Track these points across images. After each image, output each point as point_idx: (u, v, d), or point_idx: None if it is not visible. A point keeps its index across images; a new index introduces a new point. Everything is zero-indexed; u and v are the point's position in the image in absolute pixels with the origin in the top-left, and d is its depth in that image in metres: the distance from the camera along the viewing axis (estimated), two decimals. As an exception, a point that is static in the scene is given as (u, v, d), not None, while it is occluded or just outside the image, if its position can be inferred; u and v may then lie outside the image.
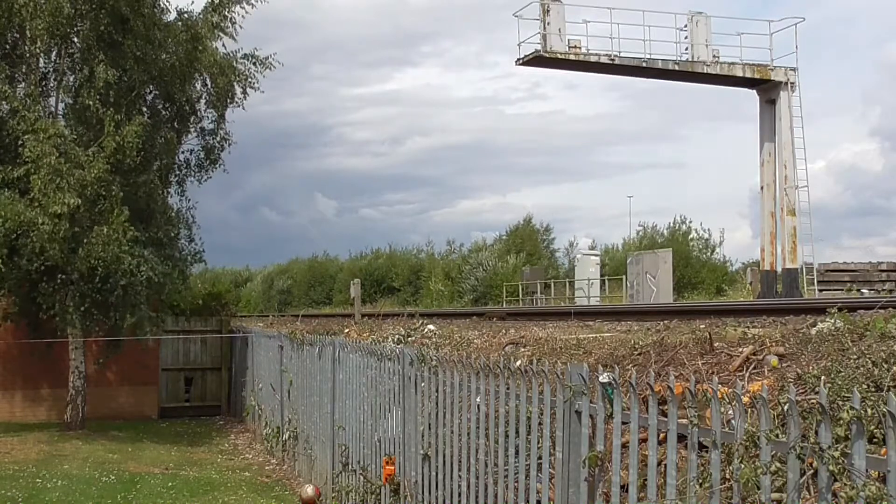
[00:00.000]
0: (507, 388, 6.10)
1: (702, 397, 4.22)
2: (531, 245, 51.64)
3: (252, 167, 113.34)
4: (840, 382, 4.53)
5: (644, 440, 4.76)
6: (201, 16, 18.41)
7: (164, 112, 18.99)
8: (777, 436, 3.74)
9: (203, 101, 19.26)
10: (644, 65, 25.64)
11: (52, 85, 18.01)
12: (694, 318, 10.73)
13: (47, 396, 19.80)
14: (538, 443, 5.67)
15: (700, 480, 4.14)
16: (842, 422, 3.43)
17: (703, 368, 5.95)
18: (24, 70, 17.49)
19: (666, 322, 10.41)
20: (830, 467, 3.42)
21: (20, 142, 15.72)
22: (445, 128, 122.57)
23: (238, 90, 18.95)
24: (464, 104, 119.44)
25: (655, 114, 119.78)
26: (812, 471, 3.83)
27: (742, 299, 25.25)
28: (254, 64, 18.91)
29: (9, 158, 16.25)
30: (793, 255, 25.28)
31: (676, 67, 25.86)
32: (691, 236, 47.98)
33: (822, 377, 4.77)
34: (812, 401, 4.27)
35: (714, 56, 26.02)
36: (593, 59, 25.28)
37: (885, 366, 4.64)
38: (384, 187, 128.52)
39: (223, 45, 18.71)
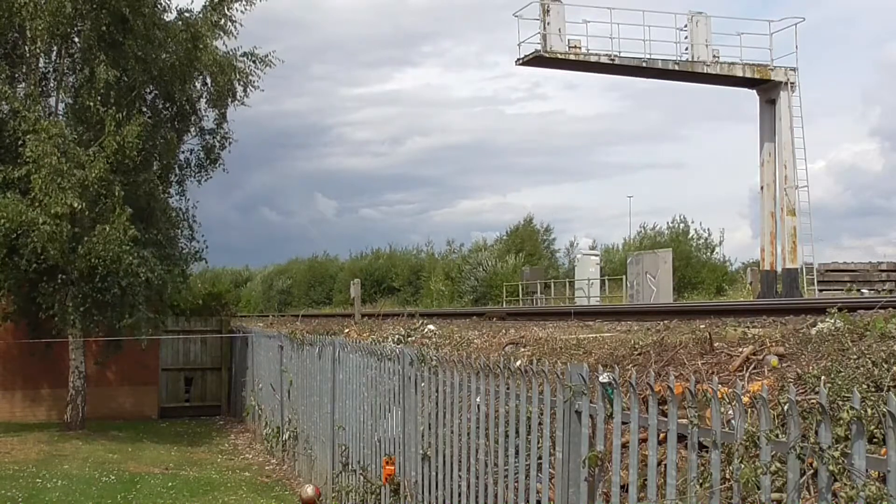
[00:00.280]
0: (507, 388, 6.10)
1: (702, 397, 4.22)
2: (531, 245, 51.66)
3: (252, 167, 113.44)
4: (840, 382, 4.53)
5: (644, 440, 4.76)
6: (201, 15, 18.41)
7: (164, 112, 18.99)
8: (777, 436, 3.74)
9: (203, 100, 19.28)
10: (644, 65, 25.64)
11: (52, 85, 18.01)
12: (694, 318, 10.73)
13: (47, 396, 19.80)
14: (538, 443, 5.67)
15: (700, 480, 4.14)
16: (842, 422, 3.43)
17: (703, 368, 5.95)
18: (24, 70, 17.50)
19: (666, 322, 10.41)
20: (830, 467, 3.42)
21: (21, 142, 15.73)
22: (445, 128, 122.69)
23: (239, 89, 18.96)
24: (464, 104, 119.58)
25: (655, 114, 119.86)
26: (812, 471, 3.83)
27: (742, 299, 25.26)
28: (253, 62, 18.92)
29: (9, 158, 16.25)
30: (793, 255, 25.29)
31: (676, 67, 25.87)
32: (691, 236, 48.01)
33: (822, 377, 4.77)
34: (812, 401, 4.27)
35: (714, 56, 26.02)
36: (593, 59, 25.28)
37: (885, 366, 4.64)
38: (384, 187, 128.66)
39: (224, 43, 18.75)
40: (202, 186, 19.96)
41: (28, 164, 15.47)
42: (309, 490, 10.82)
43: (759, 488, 3.80)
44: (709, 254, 48.11)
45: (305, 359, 12.92)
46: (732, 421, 4.06)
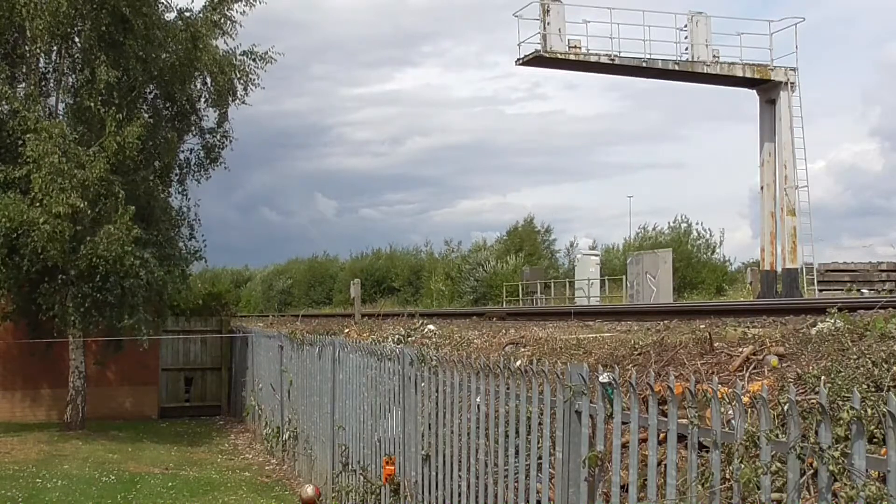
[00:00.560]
0: (507, 388, 6.10)
1: (702, 397, 4.22)
2: (530, 245, 51.68)
3: (252, 167, 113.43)
4: (840, 382, 4.53)
5: (644, 440, 4.76)
6: (201, 14, 18.42)
7: (164, 111, 19.00)
8: (777, 436, 3.73)
9: (203, 99, 19.28)
10: (644, 65, 25.64)
11: (52, 85, 18.01)
12: (694, 318, 10.72)
13: (47, 396, 19.81)
14: (538, 443, 5.67)
15: (700, 480, 4.14)
16: (842, 422, 3.42)
17: (703, 368, 5.94)
18: (24, 70, 17.50)
19: (666, 322, 10.41)
20: (830, 467, 3.42)
21: (21, 141, 15.73)
22: (445, 128, 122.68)
23: (239, 88, 18.96)
24: (464, 104, 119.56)
25: (655, 114, 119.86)
26: (812, 471, 3.83)
27: (742, 299, 25.26)
28: (253, 60, 18.92)
29: (10, 158, 16.25)
30: (793, 255, 25.29)
31: (676, 67, 25.87)
32: (693, 236, 48.04)
33: (822, 377, 4.77)
34: (812, 401, 4.27)
35: (714, 56, 26.02)
36: (593, 59, 25.29)
37: (885, 366, 4.64)
38: (384, 187, 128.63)
39: (224, 42, 18.76)
40: (202, 186, 20.00)
41: (28, 163, 15.47)
42: (309, 490, 10.82)
43: (759, 488, 3.80)
44: (709, 254, 48.15)
45: (305, 359, 12.92)
46: (732, 421, 4.06)
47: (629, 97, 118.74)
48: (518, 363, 6.46)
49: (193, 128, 19.45)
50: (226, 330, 22.41)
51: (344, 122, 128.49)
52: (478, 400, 6.58)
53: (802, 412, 3.93)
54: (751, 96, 27.14)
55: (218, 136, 19.54)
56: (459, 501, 6.80)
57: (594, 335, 9.23)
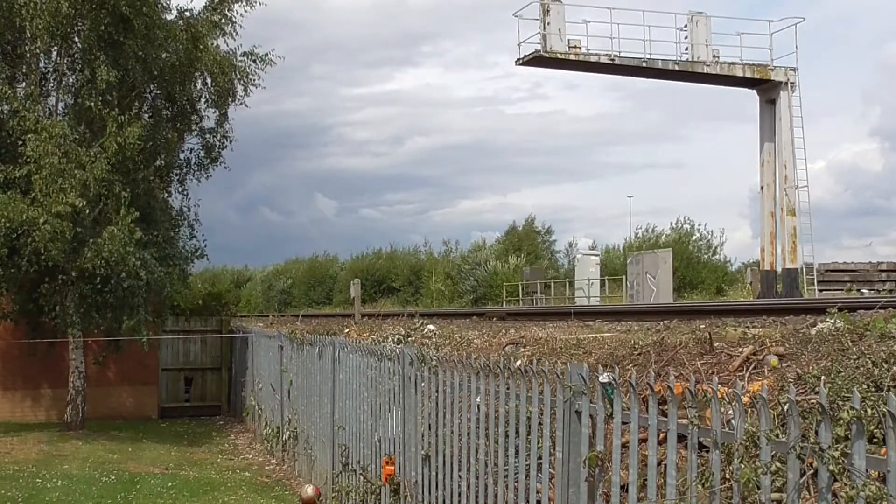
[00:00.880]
0: (507, 388, 6.10)
1: (702, 397, 4.22)
2: (530, 245, 51.68)
3: (252, 167, 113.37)
4: (840, 382, 4.53)
5: (644, 440, 4.76)
6: (201, 15, 18.41)
7: (164, 111, 19.00)
8: (777, 436, 3.74)
9: (204, 99, 19.27)
10: (644, 65, 25.65)
11: (52, 85, 18.01)
12: (694, 318, 10.72)
13: (47, 396, 19.81)
14: (538, 443, 5.67)
15: (700, 480, 4.14)
16: (842, 422, 3.42)
17: (703, 368, 5.94)
18: (24, 70, 17.50)
19: (666, 322, 10.41)
20: (830, 467, 3.42)
21: (21, 141, 15.73)
22: (445, 128, 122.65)
23: (239, 88, 18.96)
24: (464, 104, 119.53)
25: (656, 114, 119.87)
26: (812, 471, 3.83)
27: (742, 299, 25.26)
28: (253, 61, 18.91)
29: (10, 158, 16.25)
30: (793, 255, 25.29)
31: (676, 67, 25.87)
32: (694, 237, 48.07)
33: (822, 377, 4.77)
34: (812, 401, 4.27)
35: (714, 56, 26.02)
36: (593, 59, 25.29)
37: (885, 366, 4.64)
38: (384, 187, 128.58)
39: (225, 42, 18.76)
40: (202, 186, 20.00)
41: (29, 163, 15.47)
42: (309, 490, 10.82)
43: (759, 488, 3.80)
44: (710, 255, 48.17)
45: (305, 359, 12.92)
46: (732, 421, 4.06)
47: (629, 97, 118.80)
48: (518, 363, 6.46)
49: (194, 127, 19.45)
50: (226, 330, 22.41)
51: (344, 122, 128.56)
52: (478, 400, 6.58)
53: (802, 412, 3.93)
54: (751, 96, 27.16)
55: (218, 137, 19.54)
56: (459, 501, 6.81)
57: (594, 335, 9.23)
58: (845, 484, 3.38)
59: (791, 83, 25.89)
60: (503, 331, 11.45)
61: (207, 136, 19.55)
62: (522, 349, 8.87)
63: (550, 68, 27.21)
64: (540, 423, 5.65)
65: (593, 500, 5.11)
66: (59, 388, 18.85)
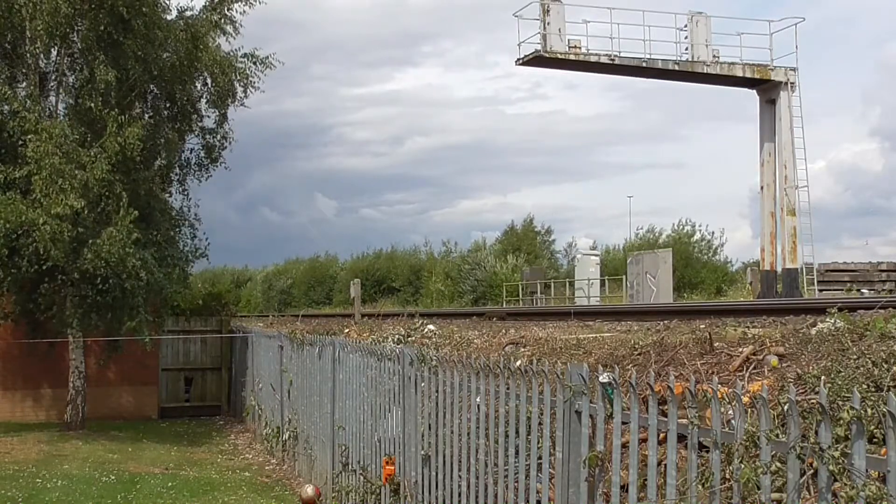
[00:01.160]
0: (507, 388, 6.10)
1: (702, 397, 4.22)
2: (528, 245, 51.69)
3: (252, 167, 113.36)
4: (840, 382, 4.53)
5: (644, 440, 4.76)
6: (201, 14, 18.41)
7: (165, 111, 19.00)
8: (777, 436, 3.74)
9: (204, 100, 19.28)
10: (644, 65, 25.65)
11: (52, 85, 18.01)
12: (694, 318, 10.72)
13: (47, 396, 19.81)
14: (538, 443, 5.67)
15: (700, 480, 4.14)
16: (842, 422, 3.42)
17: (703, 368, 5.94)
18: (24, 70, 17.50)
19: (666, 322, 10.41)
20: (830, 467, 3.42)
21: (21, 142, 15.73)
22: (446, 128, 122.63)
23: (239, 89, 18.96)
24: (464, 104, 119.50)
25: (656, 114, 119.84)
26: (812, 471, 3.83)
27: (742, 299, 25.26)
28: (254, 63, 18.91)
29: (10, 159, 16.25)
30: (793, 255, 25.28)
31: (676, 67, 25.87)
32: (695, 238, 48.13)
33: (822, 377, 4.77)
34: (812, 401, 4.27)
35: (714, 56, 26.02)
36: (593, 59, 25.29)
37: (885, 366, 4.64)
38: (384, 187, 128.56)
39: (227, 41, 18.77)
40: (202, 186, 20.01)
41: (29, 164, 15.47)
42: (309, 490, 10.82)
43: (759, 488, 3.80)
44: (710, 255, 48.22)
45: (305, 359, 12.92)
46: (732, 421, 4.06)
47: (629, 97, 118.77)
48: (518, 363, 6.46)
49: (194, 127, 19.45)
50: (226, 330, 22.42)
51: (344, 122, 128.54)
52: (478, 400, 6.58)
53: (802, 412, 3.93)
54: (751, 96, 27.16)
55: (218, 137, 19.55)
56: (459, 501, 6.81)
57: (594, 335, 9.23)
58: (845, 484, 3.38)
59: (791, 83, 25.89)
60: (503, 331, 11.45)
61: (208, 136, 19.56)
62: (522, 349, 8.87)
63: (550, 68, 27.21)
64: (540, 423, 5.65)
65: (593, 500, 5.11)
66: (59, 388, 18.85)
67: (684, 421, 4.26)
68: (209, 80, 18.81)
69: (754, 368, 5.67)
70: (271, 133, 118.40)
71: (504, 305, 36.47)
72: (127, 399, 20.84)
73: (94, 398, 18.75)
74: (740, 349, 6.04)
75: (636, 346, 7.03)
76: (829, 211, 75.32)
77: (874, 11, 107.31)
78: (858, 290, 23.46)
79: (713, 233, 48.67)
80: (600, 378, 4.99)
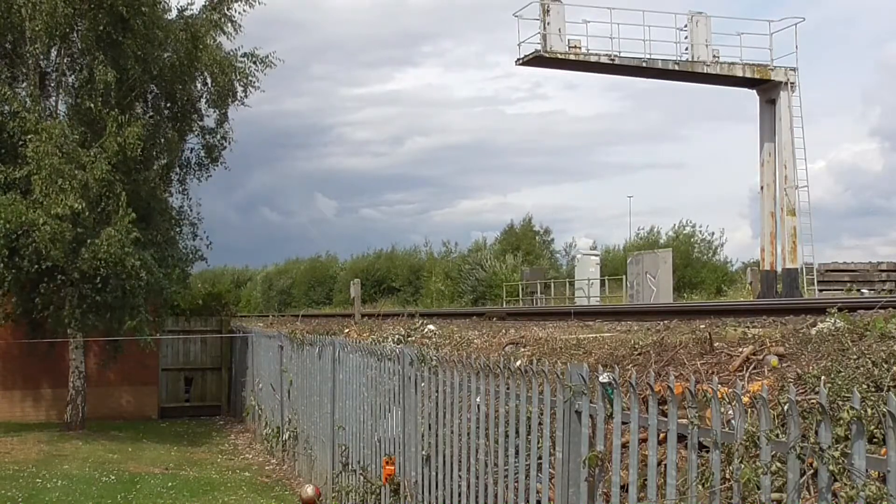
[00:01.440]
0: (507, 388, 6.10)
1: (702, 397, 4.22)
2: (527, 244, 51.70)
3: (252, 167, 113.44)
4: (840, 382, 4.53)
5: (644, 440, 4.76)
6: (201, 14, 18.41)
7: (165, 111, 18.99)
8: (777, 436, 3.73)
9: (204, 99, 19.27)
10: (644, 65, 25.64)
11: (52, 86, 18.01)
12: (694, 318, 10.72)
13: (47, 396, 19.81)
14: (538, 443, 5.67)
15: (700, 480, 4.14)
16: (842, 422, 3.42)
17: (703, 368, 5.94)
18: (24, 70, 17.49)
19: (666, 322, 10.40)
20: (830, 467, 3.42)
21: (21, 142, 15.72)
22: (446, 128, 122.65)
23: (239, 89, 18.95)
24: (464, 104, 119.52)
25: (656, 114, 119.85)
26: (812, 471, 3.83)
27: (742, 299, 25.26)
28: (254, 63, 18.90)
29: (10, 159, 16.25)
30: (793, 255, 25.28)
31: (676, 67, 25.87)
32: (695, 238, 48.16)
33: (822, 377, 4.77)
34: (812, 401, 4.27)
35: (714, 56, 26.02)
36: (593, 59, 25.29)
37: (885, 366, 4.64)
38: (384, 187, 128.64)
39: (228, 39, 18.77)
40: (202, 186, 20.02)
41: (29, 164, 15.47)
42: (309, 490, 10.82)
43: (759, 488, 3.80)
44: (710, 255, 48.25)
45: (305, 359, 12.91)
46: (732, 421, 4.06)
47: (629, 97, 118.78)
48: (518, 363, 6.46)
49: (195, 127, 19.45)
50: (226, 330, 22.41)
51: (344, 122, 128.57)
52: (478, 400, 6.58)
53: (802, 412, 3.93)
54: (751, 96, 27.16)
55: (218, 137, 19.54)
56: (459, 501, 6.80)
57: (594, 335, 9.23)
58: (845, 484, 3.38)
59: (791, 83, 25.89)
60: (503, 331, 11.45)
61: (207, 136, 19.56)
62: (522, 349, 8.87)
63: (550, 68, 27.21)
64: (540, 423, 5.65)
65: (593, 500, 5.11)
66: (59, 388, 18.84)
67: (684, 421, 4.26)
68: (209, 80, 18.81)
69: (754, 368, 5.67)
70: (271, 133, 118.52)
71: (504, 305, 36.47)
72: (127, 399, 20.84)
73: (94, 398, 18.75)
74: (740, 349, 6.04)
75: (636, 346, 7.03)
76: (829, 211, 75.36)
77: (874, 11, 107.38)
78: (858, 290, 23.46)
79: (713, 233, 48.77)
80: (600, 378, 4.99)
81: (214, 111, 19.35)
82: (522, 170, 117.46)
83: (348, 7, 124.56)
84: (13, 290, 17.15)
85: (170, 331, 21.30)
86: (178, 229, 19.40)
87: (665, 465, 4.47)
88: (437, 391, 7.41)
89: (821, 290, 24.47)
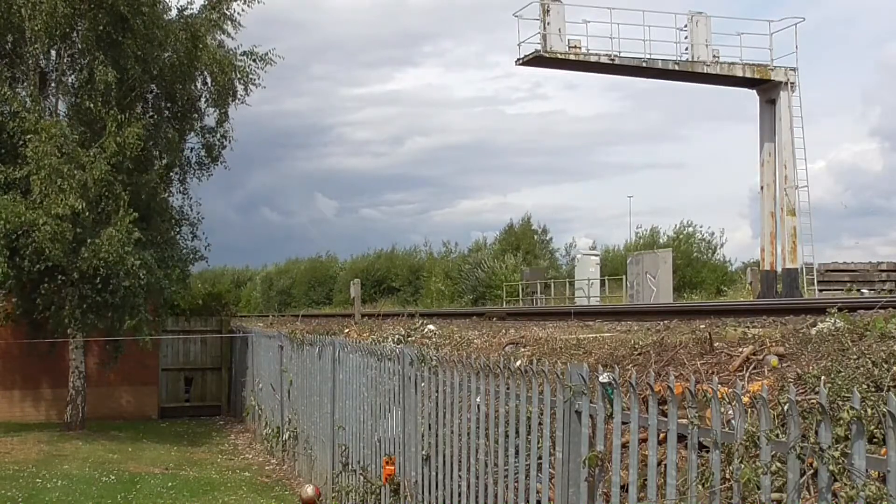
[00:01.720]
0: (507, 388, 6.10)
1: (702, 397, 4.22)
2: (527, 244, 51.69)
3: (252, 167, 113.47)
4: (840, 382, 4.53)
5: (644, 440, 4.76)
6: (201, 13, 18.41)
7: (165, 111, 18.99)
8: (777, 436, 3.73)
9: (204, 99, 19.26)
10: (644, 65, 25.64)
11: (52, 86, 18.00)
12: (694, 318, 10.72)
13: (47, 396, 19.81)
14: (538, 443, 5.67)
15: (700, 480, 4.14)
16: (842, 422, 3.42)
17: (703, 368, 5.94)
18: (24, 70, 17.49)
19: (666, 322, 10.41)
20: (830, 467, 3.42)
21: (21, 142, 15.72)
22: (446, 128, 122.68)
23: (239, 88, 18.94)
24: (464, 104, 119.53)
25: (655, 114, 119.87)
26: (812, 471, 3.83)
27: (742, 299, 25.25)
28: (253, 60, 18.90)
29: (10, 159, 16.25)
30: (793, 255, 25.28)
31: (676, 67, 25.86)
32: (695, 238, 48.15)
33: (822, 377, 4.77)
34: (812, 401, 4.27)
35: (714, 56, 26.01)
36: (593, 59, 25.28)
37: (885, 366, 4.64)
38: (384, 187, 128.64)
39: (228, 37, 18.76)
40: (203, 185, 20.01)
41: (29, 164, 15.46)
42: (309, 490, 10.82)
43: (759, 488, 3.80)
44: (710, 255, 48.25)
45: (305, 359, 12.91)
46: (732, 421, 4.06)
47: (629, 97, 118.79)
48: (518, 363, 6.46)
49: (195, 126, 19.43)
50: (226, 330, 22.41)
51: (344, 122, 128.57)
52: (478, 400, 6.58)
53: (802, 412, 3.93)
54: (751, 96, 27.15)
55: (218, 136, 19.53)
56: (459, 501, 6.80)
57: (594, 335, 9.23)
58: (845, 484, 3.38)
59: (791, 83, 25.88)
60: (503, 331, 11.45)
61: (207, 135, 19.55)
62: (522, 349, 8.87)
63: (550, 68, 27.20)
64: (540, 423, 5.65)
65: (593, 500, 5.11)
66: (59, 388, 18.84)
67: (684, 421, 4.26)
68: (209, 79, 18.80)
69: (754, 368, 5.67)
70: (271, 133, 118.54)
71: (504, 305, 36.47)
72: (127, 399, 20.83)
73: (94, 398, 18.75)
74: (740, 349, 6.04)
75: (636, 346, 7.03)
76: (829, 211, 75.36)
77: (874, 11, 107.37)
78: (858, 290, 23.45)
79: (713, 233, 48.76)
80: (600, 378, 4.99)
81: (214, 110, 19.35)
82: (522, 170, 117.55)
83: (348, 7, 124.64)
84: (14, 290, 17.15)
85: (170, 331, 21.30)
86: (177, 229, 19.39)
87: (665, 465, 4.47)
88: (437, 391, 7.41)
89: (821, 290, 24.47)
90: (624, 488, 4.84)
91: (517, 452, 5.94)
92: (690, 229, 48.44)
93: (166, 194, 19.18)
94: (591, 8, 25.37)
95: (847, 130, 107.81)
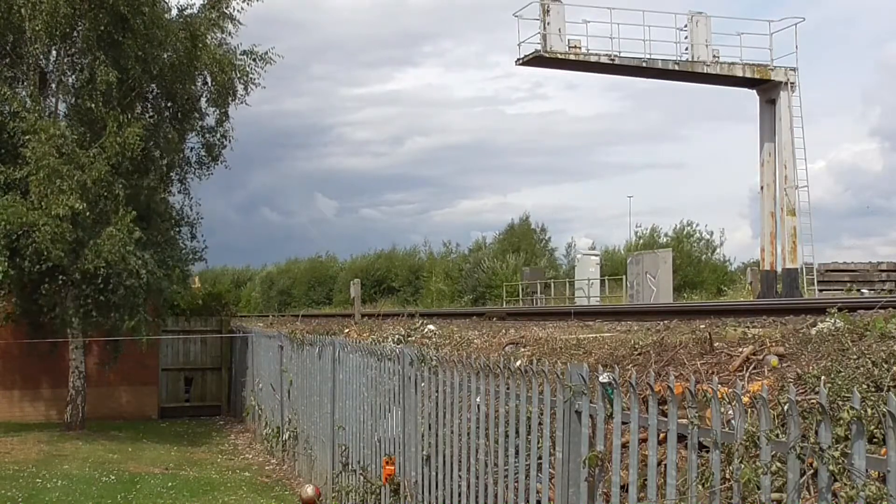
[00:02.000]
0: (507, 388, 6.10)
1: (702, 397, 4.22)
2: (527, 243, 51.70)
3: (252, 167, 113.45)
4: (840, 382, 4.53)
5: (644, 440, 4.76)
6: (201, 13, 18.40)
7: (165, 111, 18.98)
8: (777, 436, 3.73)
9: (204, 98, 19.25)
10: (644, 65, 25.64)
11: (52, 87, 17.99)
12: (694, 318, 10.72)
13: (47, 396, 19.81)
14: (538, 443, 5.67)
15: (700, 480, 4.14)
16: (842, 422, 3.42)
17: (703, 368, 5.94)
18: (24, 70, 17.48)
19: (666, 322, 10.41)
20: (830, 467, 3.42)
21: (21, 142, 15.72)
22: (446, 128, 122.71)
23: (239, 87, 18.93)
24: (464, 104, 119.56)
25: (655, 114, 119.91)
26: (812, 471, 3.83)
27: (742, 299, 25.25)
28: (253, 60, 18.88)
29: (9, 159, 16.24)
30: (793, 255, 25.28)
31: (676, 67, 25.87)
32: (695, 238, 48.18)
33: (822, 377, 4.77)
34: (812, 401, 4.27)
35: (714, 56, 26.02)
36: (593, 59, 25.29)
37: (885, 366, 4.64)
38: (384, 187, 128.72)
39: (228, 36, 18.75)
40: (203, 185, 19.99)
41: (29, 164, 15.46)
42: (309, 490, 10.82)
43: (759, 488, 3.80)
44: (710, 255, 48.26)
45: (305, 359, 12.91)
46: (732, 421, 4.06)
47: (629, 97, 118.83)
48: (518, 363, 6.46)
49: (195, 125, 19.42)
50: (226, 330, 22.41)
51: (344, 122, 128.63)
52: (478, 400, 6.58)
53: (802, 412, 3.93)
54: (751, 96, 27.16)
55: (218, 136, 19.52)
56: (459, 501, 6.80)
57: (594, 335, 9.23)
58: (845, 484, 3.38)
59: (791, 83, 25.89)
60: (503, 331, 11.45)
61: (208, 134, 19.54)
62: (522, 349, 8.87)
63: (550, 68, 27.20)
64: (540, 423, 5.65)
65: (593, 500, 5.11)
66: (59, 388, 18.83)
67: (684, 421, 4.26)
68: (209, 79, 18.79)
69: (754, 368, 5.67)
70: (271, 133, 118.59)
71: (504, 305, 36.47)
72: (127, 399, 20.83)
73: (94, 398, 18.74)
74: (740, 349, 6.04)
75: (636, 346, 7.03)
76: (829, 211, 75.35)
77: (874, 11, 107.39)
78: (858, 290, 23.45)
79: (713, 233, 48.79)
80: (600, 378, 4.99)
81: (215, 110, 19.34)
82: (522, 170, 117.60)
83: (348, 7, 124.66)
84: (14, 290, 17.14)
85: (170, 331, 21.29)
86: (177, 230, 19.39)
87: (665, 465, 4.47)
88: (437, 391, 7.41)
89: (821, 290, 24.46)
90: (624, 488, 4.84)
91: (517, 452, 5.94)
92: (690, 229, 48.48)
93: (166, 194, 19.18)
94: (591, 8, 25.41)
95: (847, 130, 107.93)
